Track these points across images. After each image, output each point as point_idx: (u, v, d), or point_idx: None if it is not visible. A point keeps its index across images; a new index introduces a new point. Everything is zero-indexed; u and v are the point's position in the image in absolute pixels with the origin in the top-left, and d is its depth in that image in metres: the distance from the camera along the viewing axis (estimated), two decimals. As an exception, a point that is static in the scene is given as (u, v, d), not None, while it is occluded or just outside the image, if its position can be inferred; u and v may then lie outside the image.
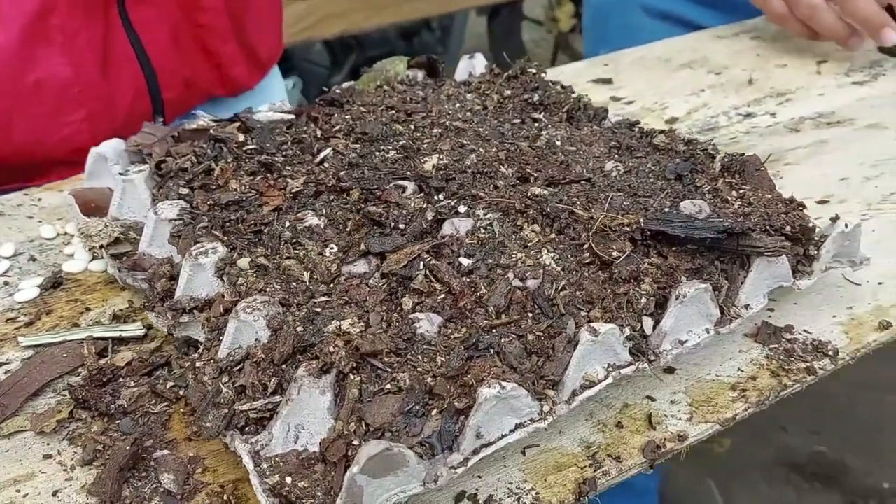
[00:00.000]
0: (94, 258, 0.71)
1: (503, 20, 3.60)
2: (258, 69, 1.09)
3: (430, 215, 0.62)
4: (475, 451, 0.49)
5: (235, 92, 1.05)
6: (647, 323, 0.56)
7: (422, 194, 0.66)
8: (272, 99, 0.86)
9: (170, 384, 0.57)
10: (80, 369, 0.59)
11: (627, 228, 0.59)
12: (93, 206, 0.72)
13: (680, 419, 0.57)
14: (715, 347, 0.62)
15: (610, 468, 0.53)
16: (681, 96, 1.03)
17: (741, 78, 1.07)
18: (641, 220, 0.60)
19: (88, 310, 0.66)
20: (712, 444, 2.05)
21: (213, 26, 0.96)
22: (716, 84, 1.06)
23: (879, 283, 0.69)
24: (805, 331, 0.64)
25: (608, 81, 1.07)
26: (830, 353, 0.62)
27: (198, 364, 0.54)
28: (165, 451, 0.53)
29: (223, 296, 0.57)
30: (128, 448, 0.51)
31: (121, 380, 0.58)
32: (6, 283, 0.69)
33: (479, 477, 0.53)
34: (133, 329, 0.63)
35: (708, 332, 0.58)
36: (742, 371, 0.61)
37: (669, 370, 0.61)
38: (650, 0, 1.39)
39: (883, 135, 0.92)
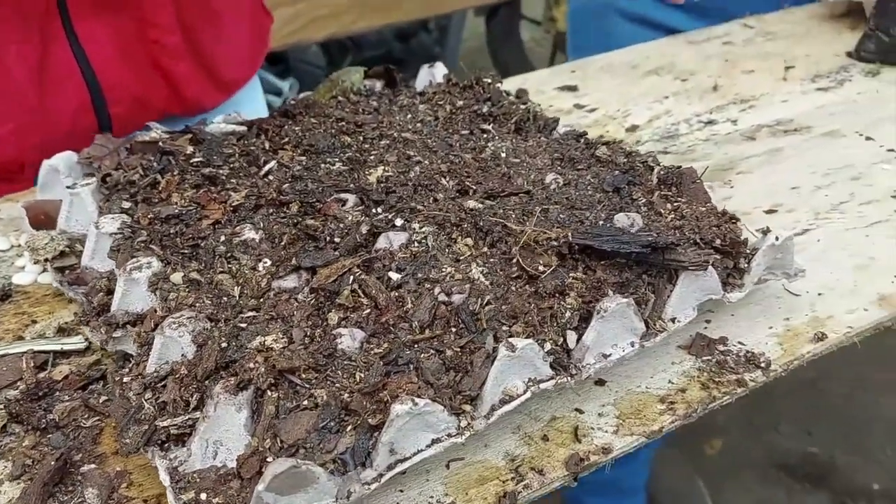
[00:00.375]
0: (44, 270, 0.72)
1: (502, 20, 3.60)
2: (219, 90, 1.03)
3: (364, 229, 0.63)
4: (390, 467, 0.49)
5: (192, 112, 0.99)
6: (571, 337, 0.56)
7: (362, 207, 0.67)
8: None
9: (103, 398, 0.58)
10: (18, 383, 0.60)
11: (555, 242, 0.60)
12: (43, 218, 0.73)
13: (606, 432, 0.57)
14: (647, 359, 0.62)
15: (532, 481, 0.54)
16: (644, 104, 1.03)
17: (706, 84, 1.08)
18: (570, 234, 0.60)
19: (35, 322, 0.67)
20: (704, 445, 2.06)
21: (165, 43, 0.93)
22: (680, 91, 1.06)
23: (819, 294, 0.69)
24: (740, 342, 0.64)
25: (573, 89, 1.07)
26: (763, 364, 0.62)
27: (125, 379, 0.55)
28: (93, 466, 0.54)
29: (155, 310, 0.58)
30: (52, 463, 0.52)
31: (56, 394, 0.59)
32: (-45, 296, 0.70)
33: (402, 491, 0.53)
34: (74, 342, 0.64)
35: (633, 346, 0.58)
36: (672, 383, 0.61)
37: (600, 382, 0.61)
38: (626, 5, 1.40)
39: (838, 143, 0.92)
